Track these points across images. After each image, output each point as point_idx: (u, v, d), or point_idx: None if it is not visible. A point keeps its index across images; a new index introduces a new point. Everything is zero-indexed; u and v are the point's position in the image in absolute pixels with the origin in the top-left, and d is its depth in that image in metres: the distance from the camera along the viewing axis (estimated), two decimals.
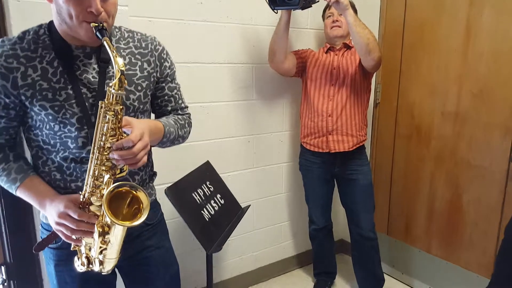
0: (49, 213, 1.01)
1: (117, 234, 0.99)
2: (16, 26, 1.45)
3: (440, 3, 2.04)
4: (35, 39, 1.00)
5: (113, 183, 0.96)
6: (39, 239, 1.60)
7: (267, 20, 2.09)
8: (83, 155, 1.04)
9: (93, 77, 1.03)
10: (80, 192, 1.00)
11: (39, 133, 1.03)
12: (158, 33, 1.77)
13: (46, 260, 1.17)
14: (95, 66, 1.03)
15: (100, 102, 0.93)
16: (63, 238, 1.01)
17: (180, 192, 1.58)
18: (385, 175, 2.44)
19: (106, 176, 0.97)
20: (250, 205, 2.07)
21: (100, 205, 0.98)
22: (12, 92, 0.97)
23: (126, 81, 0.94)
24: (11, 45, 0.98)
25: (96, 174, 0.97)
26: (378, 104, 2.43)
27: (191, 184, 1.67)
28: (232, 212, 1.88)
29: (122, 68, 0.91)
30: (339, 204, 2.27)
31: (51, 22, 1.03)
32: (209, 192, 1.77)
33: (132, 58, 1.09)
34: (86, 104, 1.01)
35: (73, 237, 1.00)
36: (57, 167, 1.06)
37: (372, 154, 2.49)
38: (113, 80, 0.92)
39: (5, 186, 1.05)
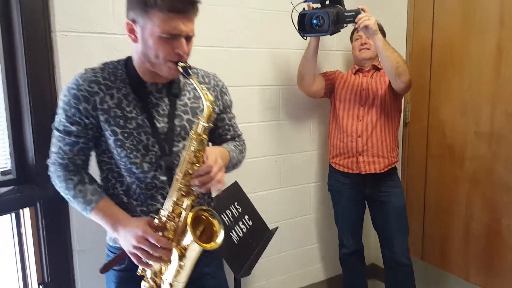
0: (123, 237, 1.05)
1: (191, 257, 1.04)
2: (64, 58, 1.56)
3: (468, 23, 2.02)
4: (114, 71, 1.11)
5: (191, 209, 1.03)
6: (76, 260, 1.67)
7: (294, 43, 2.13)
8: (148, 180, 1.10)
9: (162, 109, 1.12)
10: (156, 216, 1.05)
11: (112, 157, 1.11)
12: (191, 59, 1.87)
13: (108, 283, 1.21)
14: (166, 99, 1.13)
15: (191, 132, 1.04)
16: (135, 261, 1.05)
17: None
18: (418, 197, 2.37)
19: (187, 201, 1.04)
20: (278, 227, 2.07)
21: (174, 230, 1.04)
22: (92, 113, 1.06)
23: (214, 115, 1.05)
24: (93, 73, 1.08)
25: (176, 199, 1.03)
26: (407, 124, 2.39)
27: (220, 205, 1.69)
28: (260, 234, 1.87)
29: (212, 105, 1.02)
30: (370, 226, 2.22)
31: (128, 59, 1.13)
32: (237, 214, 1.78)
33: (195, 93, 1.18)
34: (158, 134, 1.10)
35: (146, 261, 1.04)
36: (124, 190, 1.13)
37: (403, 175, 2.43)
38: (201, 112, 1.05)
39: (80, 208, 1.11)
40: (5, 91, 1.53)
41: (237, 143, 1.31)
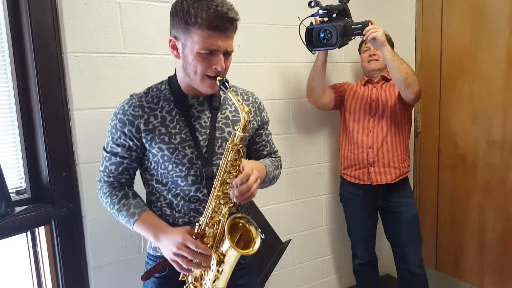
0: (164, 245, 1.10)
1: (229, 263, 1.07)
2: (75, 78, 1.58)
3: (477, 31, 2.02)
4: (157, 94, 1.17)
5: (228, 216, 1.06)
6: (92, 277, 1.68)
7: (302, 57, 2.14)
8: (192, 193, 1.15)
9: (204, 122, 1.17)
10: (197, 223, 1.10)
11: (155, 173, 1.18)
12: None
13: None
14: (207, 112, 1.18)
15: (228, 143, 1.07)
16: (177, 268, 1.09)
17: None
18: (431, 207, 2.35)
19: (224, 209, 1.07)
20: (291, 239, 2.06)
21: (214, 236, 1.08)
22: (136, 135, 1.13)
23: (250, 125, 1.09)
24: (138, 98, 1.15)
25: (214, 206, 1.07)
26: (418, 134, 2.39)
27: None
28: (273, 247, 1.87)
29: (247, 115, 1.04)
30: (384, 237, 2.20)
31: (170, 77, 1.20)
32: None
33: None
34: (200, 146, 1.14)
35: (186, 267, 1.08)
36: (168, 203, 1.18)
37: (415, 185, 2.42)
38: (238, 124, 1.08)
39: (124, 221, 1.17)
40: (19, 111, 1.56)
41: (273, 159, 1.34)
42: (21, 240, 1.64)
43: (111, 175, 1.18)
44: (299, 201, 2.30)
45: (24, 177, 1.61)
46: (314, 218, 2.37)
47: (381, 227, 2.18)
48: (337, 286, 2.52)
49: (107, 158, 1.17)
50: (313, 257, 2.40)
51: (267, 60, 2.08)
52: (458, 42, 2.11)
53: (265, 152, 1.32)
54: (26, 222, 1.54)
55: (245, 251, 1.05)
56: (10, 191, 1.49)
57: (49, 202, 1.59)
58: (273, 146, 1.36)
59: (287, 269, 2.30)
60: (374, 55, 2.02)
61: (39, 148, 1.59)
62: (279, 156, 1.39)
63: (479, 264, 2.14)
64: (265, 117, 1.30)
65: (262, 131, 1.30)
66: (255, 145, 1.30)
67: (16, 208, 1.51)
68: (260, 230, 1.09)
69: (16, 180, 1.60)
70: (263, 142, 1.31)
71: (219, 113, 1.19)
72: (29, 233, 1.64)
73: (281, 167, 1.37)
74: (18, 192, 1.60)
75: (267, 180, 1.23)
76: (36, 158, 1.61)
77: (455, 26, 2.12)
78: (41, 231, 1.63)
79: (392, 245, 2.14)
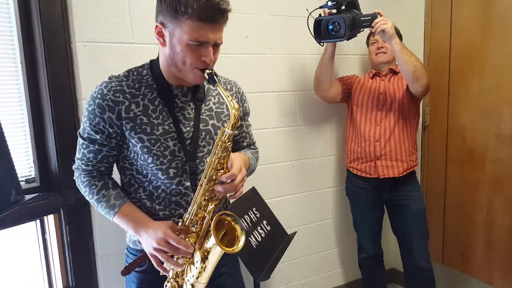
0: (144, 239, 1.07)
1: (213, 260, 1.07)
2: (83, 67, 1.60)
3: (488, 26, 1.99)
4: (139, 79, 1.11)
5: (213, 213, 1.05)
6: (99, 265, 1.70)
7: (310, 49, 2.13)
8: (173, 186, 1.12)
9: (188, 113, 1.13)
10: (180, 219, 1.08)
11: (134, 163, 1.12)
12: None
13: (128, 284, 1.24)
14: (191, 103, 1.14)
15: (217, 140, 1.05)
16: (155, 264, 1.07)
17: None
18: (438, 201, 2.34)
19: (210, 206, 1.06)
20: (296, 231, 2.07)
21: (197, 232, 1.07)
22: (116, 122, 1.07)
23: (239, 122, 1.05)
24: (118, 82, 1.08)
25: (200, 203, 1.06)
26: (426, 127, 2.37)
27: (238, 211, 1.69)
28: (278, 239, 1.88)
29: (237, 112, 1.02)
30: (389, 231, 2.20)
31: (152, 62, 1.14)
32: (256, 219, 1.79)
33: (220, 98, 1.21)
34: (184, 138, 1.11)
35: (166, 265, 1.07)
36: (147, 195, 1.14)
37: (423, 179, 2.40)
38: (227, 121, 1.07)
39: (103, 212, 1.14)
40: (28, 100, 1.58)
41: (253, 150, 1.34)
42: (30, 228, 1.66)
43: (89, 163, 1.12)
44: (304, 193, 2.30)
45: (33, 166, 1.63)
46: (319, 211, 2.37)
47: (387, 221, 2.17)
48: (343, 279, 2.52)
49: (84, 146, 1.10)
50: (318, 250, 2.40)
51: (274, 51, 2.07)
52: (468, 35, 2.08)
53: (245, 143, 1.32)
54: (35, 210, 1.56)
55: (230, 249, 1.04)
56: (19, 179, 1.52)
57: (58, 191, 1.61)
58: (252, 137, 1.35)
59: (292, 262, 2.30)
60: (382, 47, 2.00)
61: (48, 137, 1.61)
62: (257, 148, 1.38)
63: (487, 259, 2.12)
64: (247, 108, 1.29)
65: (242, 122, 1.29)
66: (236, 136, 1.27)
67: (25, 196, 1.54)
68: (245, 229, 1.10)
69: (26, 168, 1.62)
70: (243, 134, 1.30)
71: (203, 105, 1.15)
72: (38, 221, 1.66)
73: (258, 159, 1.37)
74: (27, 181, 1.62)
75: (248, 173, 1.23)
76: (45, 147, 1.62)
77: (464, 19, 2.10)
78: (50, 219, 1.65)
79: (399, 239, 2.13)
